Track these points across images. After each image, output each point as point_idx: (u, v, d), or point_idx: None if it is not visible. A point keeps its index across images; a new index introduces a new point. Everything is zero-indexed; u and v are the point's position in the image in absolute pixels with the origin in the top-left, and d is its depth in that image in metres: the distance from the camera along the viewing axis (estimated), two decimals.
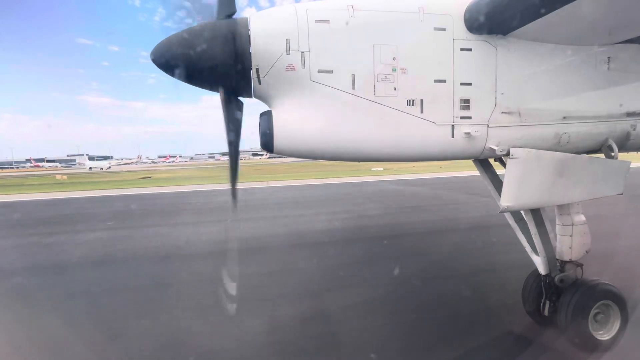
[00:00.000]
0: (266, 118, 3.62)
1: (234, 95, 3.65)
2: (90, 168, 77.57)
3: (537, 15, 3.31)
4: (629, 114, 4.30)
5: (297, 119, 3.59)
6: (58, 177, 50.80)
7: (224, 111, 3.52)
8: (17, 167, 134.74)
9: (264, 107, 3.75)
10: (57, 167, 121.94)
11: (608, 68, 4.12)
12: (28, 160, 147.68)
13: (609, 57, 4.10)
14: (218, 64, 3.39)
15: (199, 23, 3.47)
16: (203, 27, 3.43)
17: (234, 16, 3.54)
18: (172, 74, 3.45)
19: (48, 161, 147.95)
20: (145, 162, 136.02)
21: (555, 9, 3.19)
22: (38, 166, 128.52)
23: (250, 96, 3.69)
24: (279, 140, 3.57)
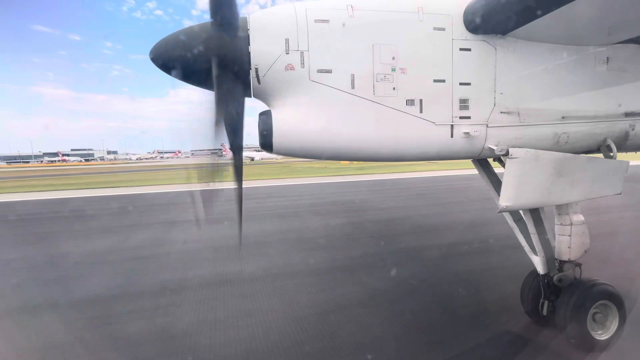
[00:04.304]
0: (265, 117, 3.60)
1: (233, 94, 3.60)
2: (255, 159, 74.35)
3: (536, 15, 3.31)
4: (628, 114, 4.29)
5: (296, 118, 3.58)
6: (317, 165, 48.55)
7: (223, 110, 3.46)
8: (41, 162, 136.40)
9: (264, 107, 3.73)
10: (80, 161, 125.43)
11: (607, 68, 4.12)
12: (49, 154, 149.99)
13: (607, 57, 4.10)
14: (217, 64, 3.34)
15: (199, 22, 3.44)
16: (202, 26, 3.41)
17: None
18: (170, 74, 3.45)
19: (64, 155, 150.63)
20: (155, 158, 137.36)
21: (554, 9, 3.19)
22: (65, 160, 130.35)
23: (249, 96, 3.68)
24: (278, 139, 3.56)
